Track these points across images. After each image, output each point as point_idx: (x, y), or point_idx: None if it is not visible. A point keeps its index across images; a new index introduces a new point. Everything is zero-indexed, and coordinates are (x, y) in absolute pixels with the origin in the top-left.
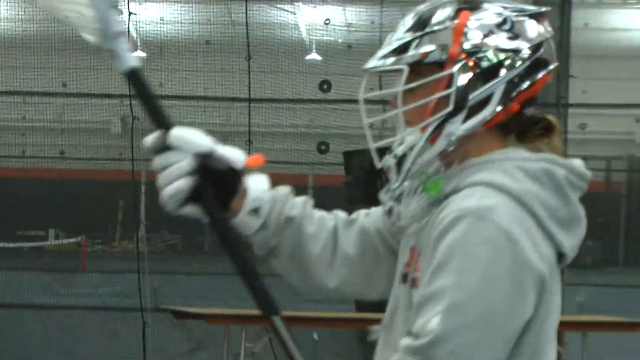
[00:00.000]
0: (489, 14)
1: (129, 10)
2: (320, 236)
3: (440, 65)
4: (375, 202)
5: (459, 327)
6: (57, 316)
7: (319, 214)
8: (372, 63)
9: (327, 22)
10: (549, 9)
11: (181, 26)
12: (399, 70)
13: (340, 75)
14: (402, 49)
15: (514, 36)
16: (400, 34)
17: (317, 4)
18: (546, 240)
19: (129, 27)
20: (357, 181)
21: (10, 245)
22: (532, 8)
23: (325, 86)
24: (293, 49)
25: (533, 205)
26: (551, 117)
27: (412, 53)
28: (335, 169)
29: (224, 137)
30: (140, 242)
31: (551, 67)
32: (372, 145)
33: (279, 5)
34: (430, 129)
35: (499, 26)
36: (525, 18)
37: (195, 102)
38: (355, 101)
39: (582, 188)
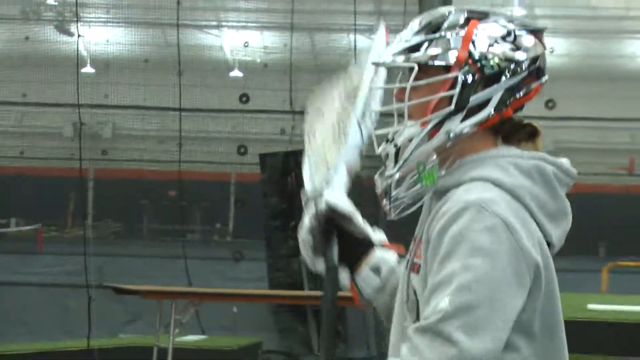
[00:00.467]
0: (496, 26)
1: (78, 33)
2: None
3: (446, 67)
4: (284, 195)
5: (466, 306)
6: (17, 292)
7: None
8: (384, 58)
9: (246, 44)
10: (546, 27)
11: (124, 46)
12: (407, 67)
13: (257, 89)
14: (413, 49)
15: (516, 48)
16: (410, 36)
17: (239, 29)
18: (538, 233)
19: (78, 47)
20: (271, 178)
21: None
22: (533, 24)
23: (244, 98)
24: (218, 67)
25: (525, 199)
26: (536, 124)
27: (422, 53)
28: (253, 168)
29: (160, 141)
30: (88, 229)
31: (544, 79)
32: (374, 132)
33: (206, 30)
34: (431, 125)
35: (504, 37)
36: (527, 33)
37: (135, 111)
38: (269, 111)
39: (569, 184)
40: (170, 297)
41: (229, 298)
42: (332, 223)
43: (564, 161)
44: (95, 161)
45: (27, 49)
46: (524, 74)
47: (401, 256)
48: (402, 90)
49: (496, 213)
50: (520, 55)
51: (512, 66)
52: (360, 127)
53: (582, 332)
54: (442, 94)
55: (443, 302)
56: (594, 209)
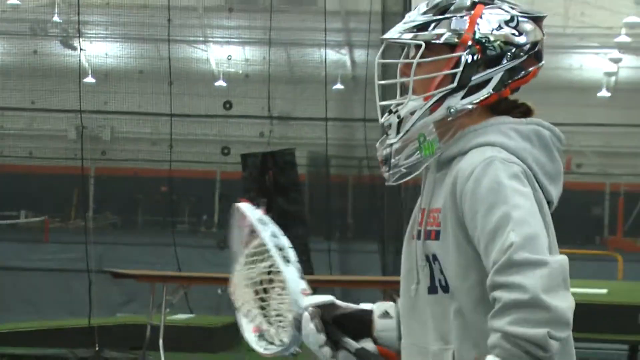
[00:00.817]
0: (500, 11)
1: (80, 47)
2: None
3: (451, 47)
4: (263, 191)
5: (531, 236)
6: (26, 276)
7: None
8: (392, 34)
9: (229, 57)
10: (546, 14)
11: (121, 59)
12: (414, 45)
13: (239, 97)
14: (421, 28)
15: (518, 33)
16: (418, 15)
17: (223, 44)
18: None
19: (81, 60)
20: (251, 176)
21: None
22: (534, 11)
23: (227, 105)
24: (204, 77)
25: (528, 160)
26: (530, 104)
27: (429, 32)
28: (236, 167)
29: (153, 143)
30: (89, 220)
31: (541, 63)
32: (379, 103)
33: (194, 45)
34: (433, 100)
35: (507, 22)
36: (528, 19)
37: (131, 116)
38: (249, 116)
39: (560, 149)
40: (161, 281)
41: (214, 281)
42: (325, 321)
43: (557, 129)
44: (96, 161)
45: (36, 61)
46: (524, 57)
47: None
48: (408, 65)
49: (515, 164)
50: (521, 40)
51: (513, 49)
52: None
53: None
54: (446, 71)
55: (509, 238)
56: None
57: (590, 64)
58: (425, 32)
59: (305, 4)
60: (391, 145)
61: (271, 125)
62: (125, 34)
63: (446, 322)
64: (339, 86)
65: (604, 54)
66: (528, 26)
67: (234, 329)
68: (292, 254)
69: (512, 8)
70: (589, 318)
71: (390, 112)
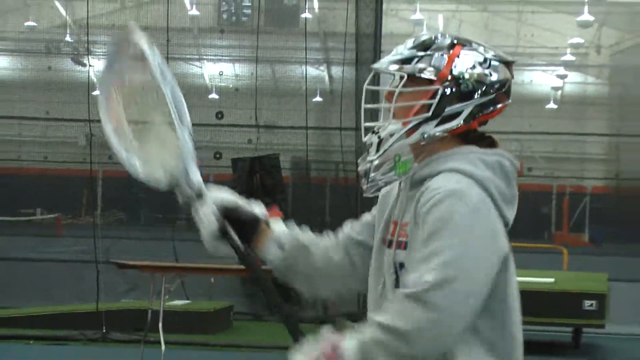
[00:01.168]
0: (475, 53)
1: (89, 64)
2: (324, 259)
3: (430, 80)
4: (251, 191)
5: (451, 279)
6: (42, 266)
7: (322, 240)
8: (381, 65)
9: (221, 73)
10: (516, 59)
11: None
12: (399, 75)
13: (230, 108)
14: (406, 61)
15: (489, 73)
16: (404, 50)
17: (215, 62)
18: (499, 217)
19: (89, 75)
20: (240, 178)
21: (12, 218)
22: (505, 56)
23: (219, 115)
24: (199, 90)
25: (490, 188)
26: (495, 137)
27: (412, 66)
28: (227, 170)
29: None
30: (97, 217)
31: (508, 102)
32: (363, 124)
33: (190, 62)
34: (410, 125)
35: (481, 63)
36: (499, 62)
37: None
38: (239, 125)
39: (516, 175)
40: (161, 271)
41: (208, 271)
42: (223, 216)
43: (514, 156)
44: (103, 164)
45: (50, 76)
46: (493, 95)
47: (284, 219)
48: (392, 93)
49: (472, 201)
50: (491, 79)
51: (484, 87)
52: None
53: None
54: (424, 101)
55: (429, 274)
56: None
57: (540, 80)
58: (409, 65)
59: (288, 26)
60: (371, 162)
61: (258, 133)
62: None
63: None
64: (318, 99)
65: (552, 70)
66: (499, 68)
67: (225, 313)
68: (187, 114)
69: (486, 51)
70: (539, 304)
71: (372, 132)
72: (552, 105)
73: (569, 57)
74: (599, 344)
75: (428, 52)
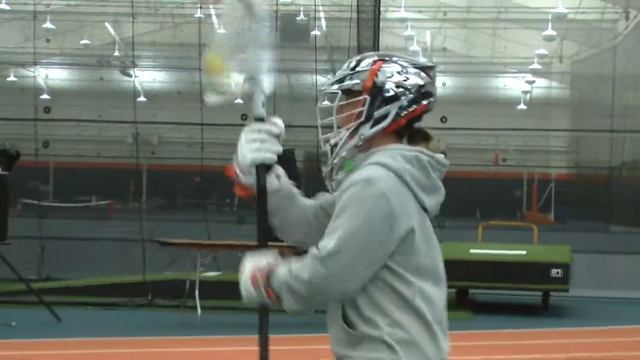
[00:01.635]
0: (394, 64)
1: (135, 75)
2: (300, 211)
3: (359, 92)
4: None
5: (343, 250)
6: (96, 244)
7: (305, 200)
8: (325, 87)
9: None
10: (435, 64)
11: (164, 83)
12: (337, 93)
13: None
14: (340, 81)
15: (407, 79)
16: (342, 71)
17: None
18: (415, 202)
19: (135, 84)
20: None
21: (71, 204)
22: (424, 63)
23: (244, 117)
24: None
25: (406, 178)
26: (428, 130)
27: (346, 83)
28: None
29: (189, 145)
30: (142, 203)
31: (430, 99)
32: (320, 136)
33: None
34: (350, 131)
35: (399, 72)
36: (417, 69)
37: (173, 125)
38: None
39: (442, 170)
40: (196, 247)
41: (235, 247)
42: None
43: (439, 156)
44: (147, 159)
45: (102, 85)
46: (412, 96)
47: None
48: (338, 108)
49: (378, 187)
50: (409, 84)
51: (404, 90)
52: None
53: (466, 268)
54: (357, 110)
55: (330, 243)
56: (473, 187)
57: (512, 85)
58: (343, 84)
59: (300, 42)
60: (330, 165)
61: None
62: (167, 64)
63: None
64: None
65: (521, 77)
66: (415, 74)
67: None
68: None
69: (405, 61)
70: (513, 272)
71: (325, 142)
72: (522, 106)
73: (536, 66)
74: (564, 305)
75: (357, 70)
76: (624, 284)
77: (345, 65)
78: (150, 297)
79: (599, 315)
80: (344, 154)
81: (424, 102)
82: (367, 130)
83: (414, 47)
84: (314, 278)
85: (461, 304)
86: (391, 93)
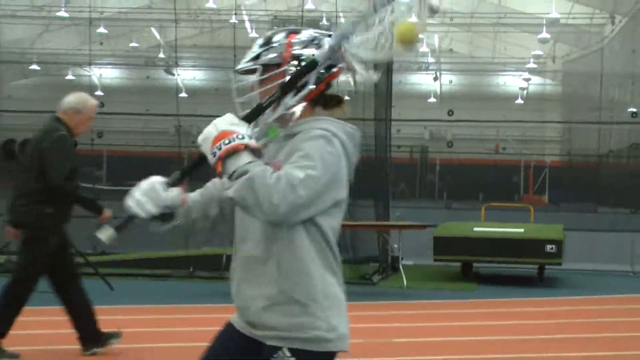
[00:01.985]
0: (305, 35)
1: (177, 73)
2: (216, 201)
3: (279, 65)
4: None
5: (305, 187)
6: (144, 225)
7: (205, 191)
8: (240, 66)
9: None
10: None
11: (203, 81)
12: (256, 69)
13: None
14: (257, 57)
15: (321, 46)
16: (255, 49)
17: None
18: (347, 172)
19: (177, 82)
20: None
21: (122, 188)
22: (330, 32)
23: None
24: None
25: (348, 148)
26: (341, 95)
27: (262, 58)
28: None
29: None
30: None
31: (340, 65)
32: (240, 112)
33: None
34: (270, 101)
35: (311, 42)
36: (327, 37)
37: (211, 119)
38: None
39: (357, 140)
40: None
41: None
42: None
43: (355, 127)
44: (188, 148)
45: (148, 83)
46: (326, 63)
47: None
48: (259, 82)
49: (337, 149)
50: (322, 51)
51: (320, 58)
52: None
53: (470, 244)
54: (278, 82)
55: (300, 174)
56: (477, 173)
57: (510, 82)
58: (260, 59)
59: None
60: (255, 133)
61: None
62: (207, 63)
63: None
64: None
65: (519, 75)
66: (328, 41)
67: None
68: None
69: (315, 32)
70: (512, 248)
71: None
72: (520, 101)
73: (532, 65)
74: (557, 277)
75: (271, 45)
76: (610, 258)
77: (256, 44)
78: (191, 270)
79: (588, 285)
80: (268, 122)
81: (336, 69)
82: (290, 100)
83: (424, 48)
84: (276, 190)
85: (466, 275)
86: (308, 62)
